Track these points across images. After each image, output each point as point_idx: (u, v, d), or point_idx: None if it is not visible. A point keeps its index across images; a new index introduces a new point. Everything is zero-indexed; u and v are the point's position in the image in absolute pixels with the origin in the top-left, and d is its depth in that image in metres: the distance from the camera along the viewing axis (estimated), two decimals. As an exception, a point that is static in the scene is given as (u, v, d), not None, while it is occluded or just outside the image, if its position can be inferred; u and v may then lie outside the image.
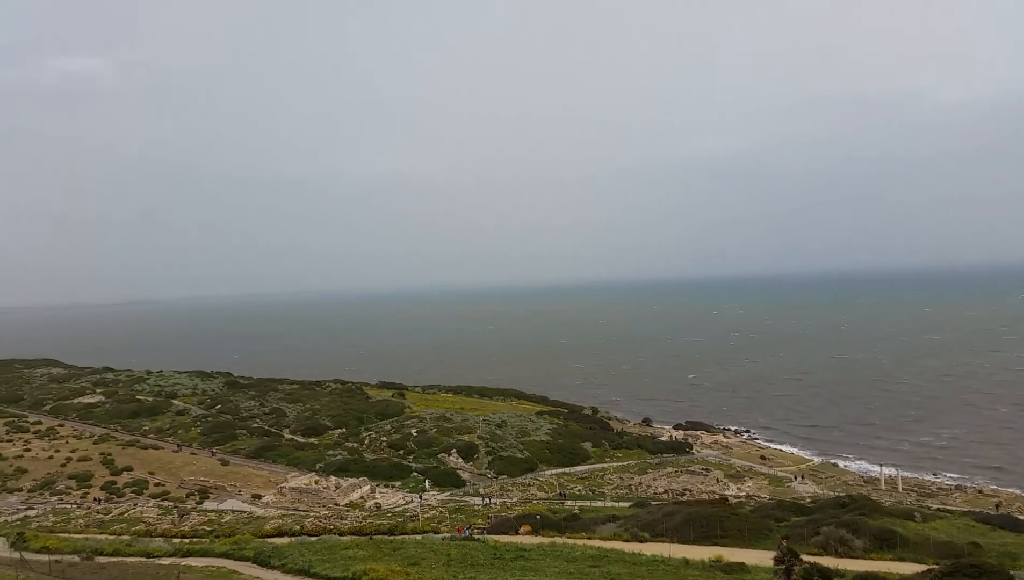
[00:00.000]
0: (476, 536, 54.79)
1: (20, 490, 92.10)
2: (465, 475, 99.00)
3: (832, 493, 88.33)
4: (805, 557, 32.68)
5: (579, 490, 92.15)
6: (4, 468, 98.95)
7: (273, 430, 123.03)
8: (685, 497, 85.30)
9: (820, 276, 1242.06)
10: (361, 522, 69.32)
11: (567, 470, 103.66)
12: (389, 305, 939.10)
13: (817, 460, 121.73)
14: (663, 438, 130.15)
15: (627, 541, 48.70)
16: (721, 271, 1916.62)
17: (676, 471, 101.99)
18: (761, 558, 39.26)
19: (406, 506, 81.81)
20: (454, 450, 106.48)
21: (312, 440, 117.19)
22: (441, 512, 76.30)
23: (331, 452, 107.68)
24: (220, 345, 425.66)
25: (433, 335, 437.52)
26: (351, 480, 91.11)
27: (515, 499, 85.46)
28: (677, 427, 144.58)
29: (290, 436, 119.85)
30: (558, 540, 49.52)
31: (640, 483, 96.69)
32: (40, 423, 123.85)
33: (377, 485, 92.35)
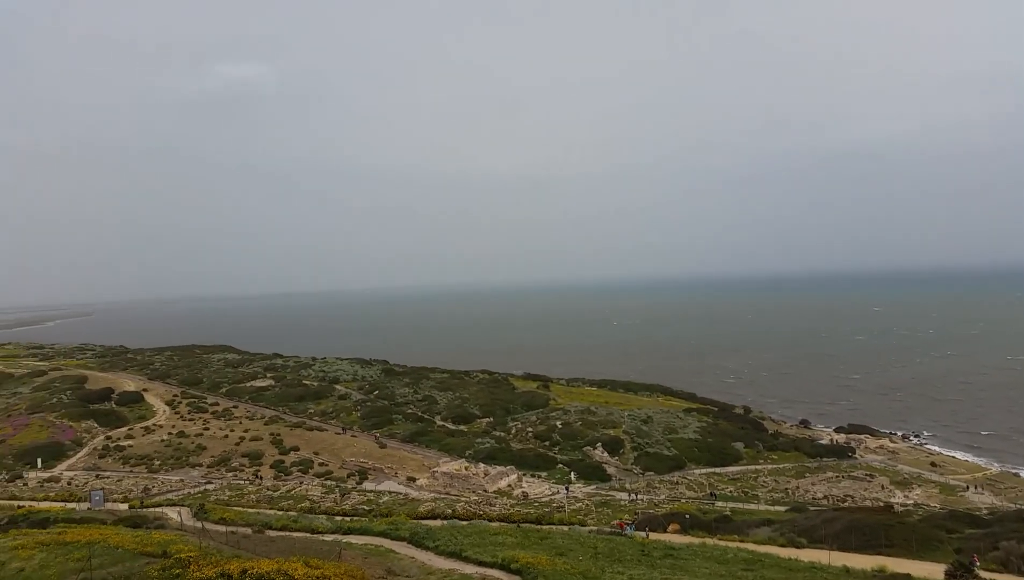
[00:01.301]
0: (633, 532, 54.33)
1: (201, 465, 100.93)
2: (611, 470, 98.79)
3: (1014, 505, 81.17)
4: (982, 574, 30.34)
5: (730, 491, 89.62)
6: (187, 445, 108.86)
7: (426, 416, 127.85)
8: (846, 503, 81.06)
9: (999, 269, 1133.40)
10: (509, 510, 70.80)
11: (717, 470, 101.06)
12: (525, 299, 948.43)
13: (995, 469, 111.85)
14: (822, 441, 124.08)
15: (782, 546, 46.99)
16: (877, 264, 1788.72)
17: (837, 476, 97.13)
18: (930, 571, 36.79)
19: (552, 497, 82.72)
20: (599, 444, 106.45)
21: (461, 427, 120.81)
22: (587, 505, 76.58)
23: (479, 440, 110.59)
24: (375, 334, 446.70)
25: (573, 328, 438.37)
26: (499, 468, 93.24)
27: (663, 497, 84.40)
28: (838, 430, 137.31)
29: (441, 423, 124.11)
30: (708, 541, 48.52)
31: (797, 487, 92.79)
32: (217, 404, 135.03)
33: (524, 474, 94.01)
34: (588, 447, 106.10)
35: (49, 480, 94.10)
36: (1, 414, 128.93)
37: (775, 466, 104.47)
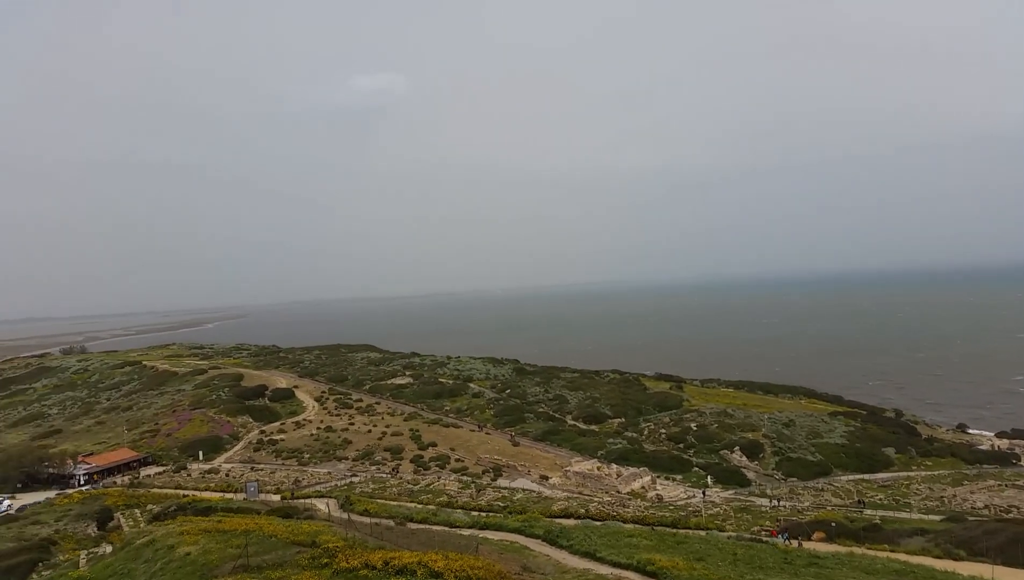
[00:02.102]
0: (786, 541, 52.27)
1: (346, 459, 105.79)
2: (750, 474, 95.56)
3: None
4: None
5: (880, 499, 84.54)
6: (334, 439, 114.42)
7: (557, 415, 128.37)
8: (1011, 515, 74.61)
9: None
10: (643, 512, 69.93)
11: (865, 477, 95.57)
12: (660, 296, 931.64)
13: None
14: (982, 447, 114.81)
15: (938, 558, 43.96)
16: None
17: (999, 484, 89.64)
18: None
19: (688, 500, 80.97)
20: (737, 447, 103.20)
21: (593, 427, 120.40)
22: (725, 510, 74.44)
23: (611, 440, 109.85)
24: (508, 333, 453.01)
25: (707, 327, 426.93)
26: (631, 469, 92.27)
27: (806, 503, 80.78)
28: (1000, 435, 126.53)
29: (572, 422, 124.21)
30: (856, 550, 46.12)
31: (954, 496, 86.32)
32: (361, 401, 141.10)
33: (657, 476, 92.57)
34: (725, 450, 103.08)
35: (209, 471, 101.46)
36: (167, 409, 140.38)
37: (929, 473, 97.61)
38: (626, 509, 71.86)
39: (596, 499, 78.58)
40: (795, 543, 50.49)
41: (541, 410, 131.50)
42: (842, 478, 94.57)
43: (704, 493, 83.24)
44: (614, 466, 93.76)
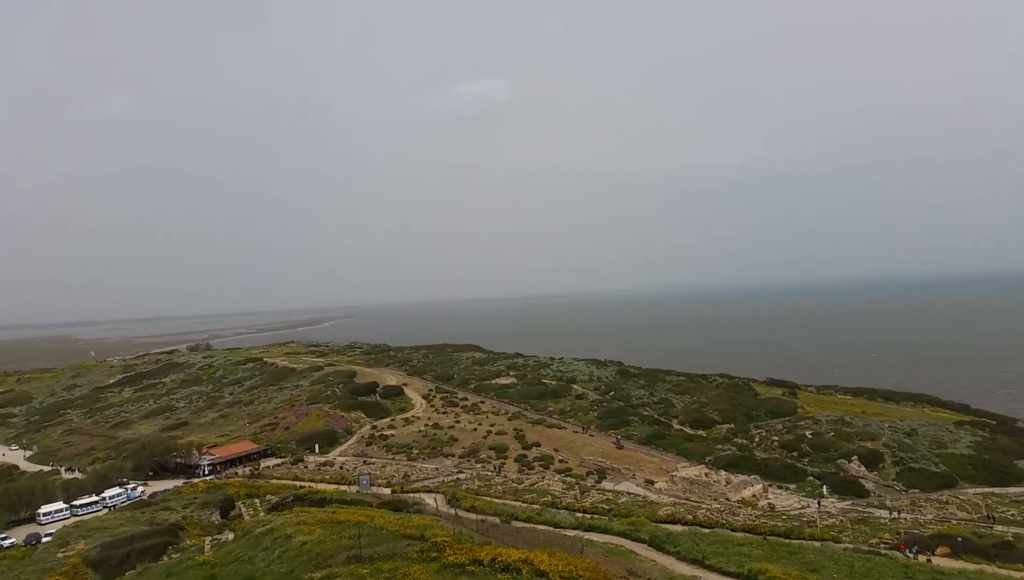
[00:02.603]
0: (912, 556, 49.77)
1: (453, 455, 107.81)
2: (868, 485, 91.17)
3: None
4: None
5: (1012, 515, 78.90)
6: (441, 436, 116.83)
7: (662, 419, 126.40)
8: None
9: None
10: (754, 520, 67.99)
11: (995, 490, 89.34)
12: (774, 298, 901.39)
13: None
14: None
15: (1083, 583, 40.75)
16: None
17: None
18: None
19: (802, 510, 78.09)
20: (855, 457, 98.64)
21: (700, 432, 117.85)
22: (841, 521, 71.35)
23: (720, 446, 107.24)
24: (612, 335, 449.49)
25: (826, 331, 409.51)
26: (741, 477, 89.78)
27: (929, 516, 76.34)
28: None
29: (679, 426, 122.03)
30: (986, 568, 43.38)
31: (1099, 517, 79.53)
32: (467, 399, 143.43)
33: (769, 485, 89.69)
34: (842, 460, 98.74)
35: (325, 464, 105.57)
36: (285, 404, 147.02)
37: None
38: (736, 517, 70.02)
39: (704, 506, 76.90)
40: (923, 558, 47.88)
41: (646, 413, 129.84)
42: (968, 491, 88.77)
43: (819, 503, 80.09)
44: (723, 472, 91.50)
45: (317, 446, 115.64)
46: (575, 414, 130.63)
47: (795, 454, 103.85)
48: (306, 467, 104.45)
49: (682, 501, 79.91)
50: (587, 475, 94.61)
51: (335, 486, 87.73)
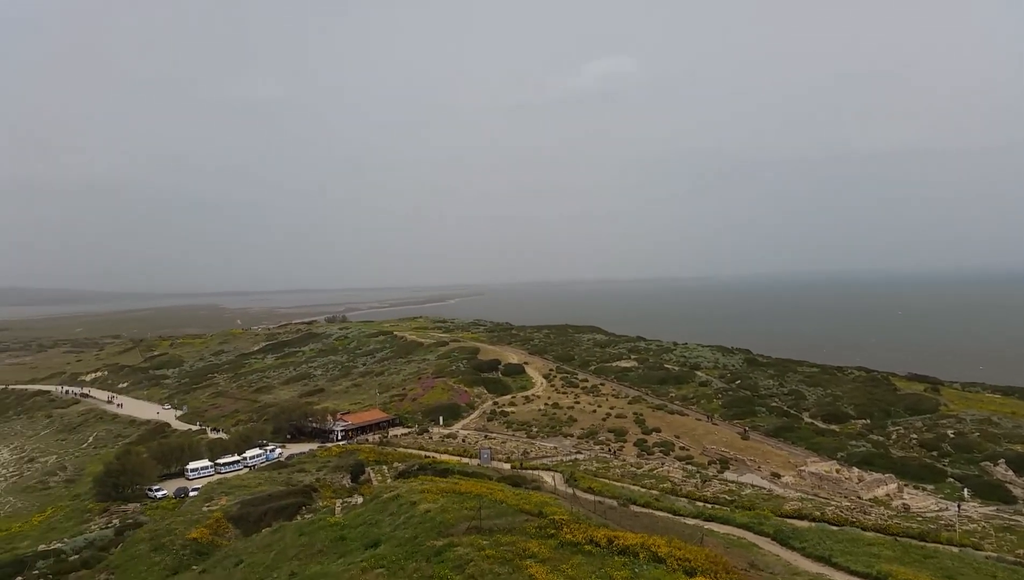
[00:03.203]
0: None
1: (571, 435, 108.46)
2: (1016, 491, 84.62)
3: None
4: None
5: None
6: (560, 416, 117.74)
7: (792, 411, 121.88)
8: None
9: None
10: (886, 521, 64.80)
11: None
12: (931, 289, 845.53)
13: None
14: None
15: None
16: None
17: None
18: None
19: (939, 513, 73.61)
20: (1002, 460, 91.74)
21: (832, 427, 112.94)
22: (984, 527, 66.82)
23: (853, 442, 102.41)
24: (744, 320, 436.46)
25: (977, 326, 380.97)
26: (875, 475, 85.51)
27: (1088, 531, 70.19)
28: None
29: (809, 420, 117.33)
30: None
31: None
32: (586, 381, 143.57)
33: (905, 484, 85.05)
34: (987, 462, 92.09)
35: (448, 436, 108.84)
36: (413, 376, 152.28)
37: None
38: (867, 516, 66.92)
39: (833, 503, 73.86)
40: None
41: (774, 404, 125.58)
42: None
43: (959, 506, 75.20)
44: (855, 470, 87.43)
45: (441, 418, 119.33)
46: (698, 401, 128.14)
47: (935, 454, 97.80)
48: (431, 438, 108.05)
49: (810, 497, 77.04)
50: (709, 464, 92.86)
51: (457, 458, 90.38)
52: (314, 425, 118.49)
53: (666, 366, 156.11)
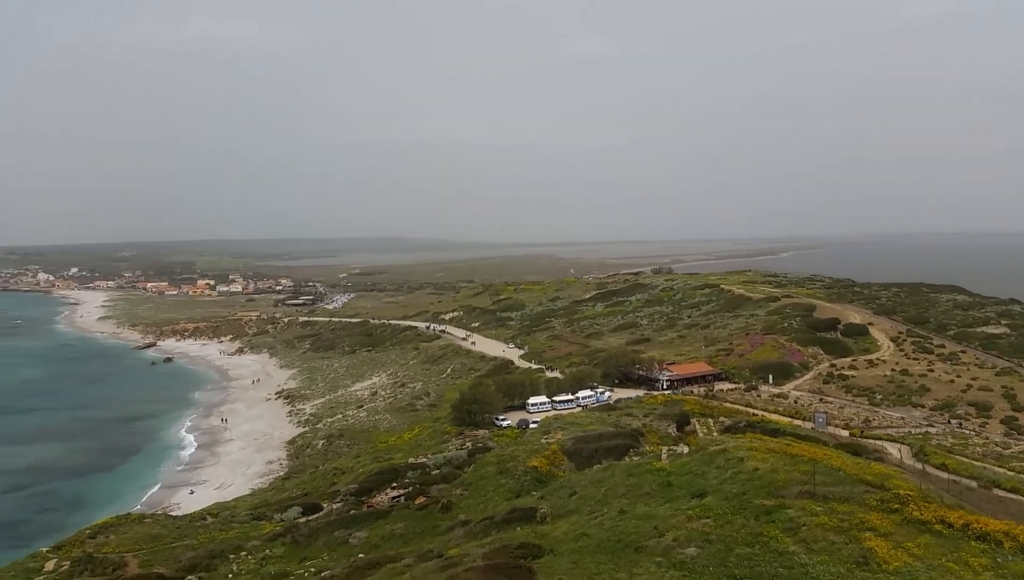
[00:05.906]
0: None
1: (923, 406, 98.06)
2: None
3: None
4: None
5: None
6: (910, 384, 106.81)
7: None
8: None
9: None
10: None
11: None
12: None
13: None
14: None
15: None
16: None
17: None
18: None
19: None
20: None
21: None
22: None
23: None
24: None
25: None
26: None
27: None
28: None
29: None
30: None
31: None
32: (943, 347, 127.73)
33: None
34: None
35: (778, 395, 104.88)
36: (740, 331, 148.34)
37: None
38: None
39: None
40: None
41: None
42: None
43: None
44: None
45: (771, 377, 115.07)
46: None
47: None
48: (759, 396, 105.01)
49: None
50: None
51: (788, 419, 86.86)
52: (640, 372, 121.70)
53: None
